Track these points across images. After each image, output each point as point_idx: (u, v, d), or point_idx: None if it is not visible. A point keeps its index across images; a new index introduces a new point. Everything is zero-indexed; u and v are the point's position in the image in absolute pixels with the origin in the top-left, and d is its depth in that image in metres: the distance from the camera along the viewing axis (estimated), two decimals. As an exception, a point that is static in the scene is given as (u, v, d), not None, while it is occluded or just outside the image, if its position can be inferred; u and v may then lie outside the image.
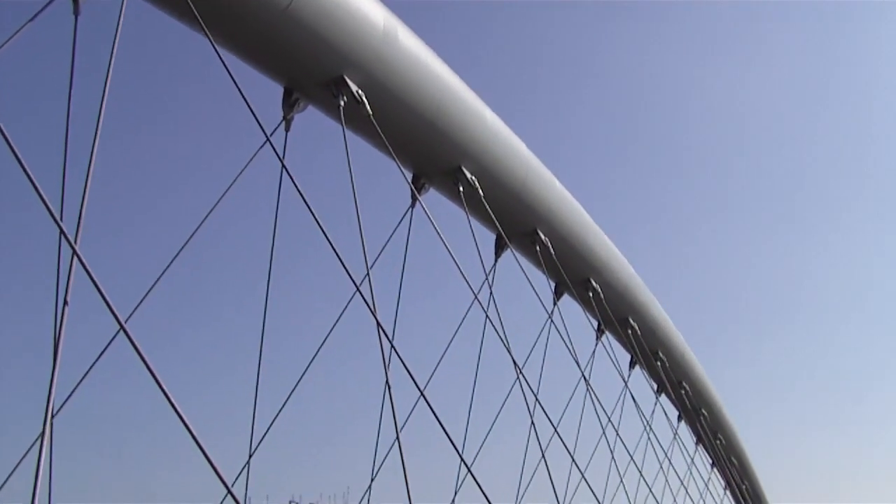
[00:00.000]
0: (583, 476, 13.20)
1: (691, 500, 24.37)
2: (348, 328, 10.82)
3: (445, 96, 10.81)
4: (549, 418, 11.89)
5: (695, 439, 27.39)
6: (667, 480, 20.82)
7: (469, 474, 9.21)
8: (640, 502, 17.67)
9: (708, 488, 27.75)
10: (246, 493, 9.67)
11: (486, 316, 11.44)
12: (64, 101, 7.43)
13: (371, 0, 9.55)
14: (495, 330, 11.25)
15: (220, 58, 7.97)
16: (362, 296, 8.62)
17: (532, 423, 11.77)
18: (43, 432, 5.83)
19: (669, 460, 21.32)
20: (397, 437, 8.61)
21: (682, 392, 24.10)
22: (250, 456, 9.93)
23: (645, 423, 18.86)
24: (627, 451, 16.77)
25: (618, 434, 16.13)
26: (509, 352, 11.22)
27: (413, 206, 11.24)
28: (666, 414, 22.24)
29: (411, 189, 11.21)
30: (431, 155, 11.31)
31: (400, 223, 11.25)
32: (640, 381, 20.77)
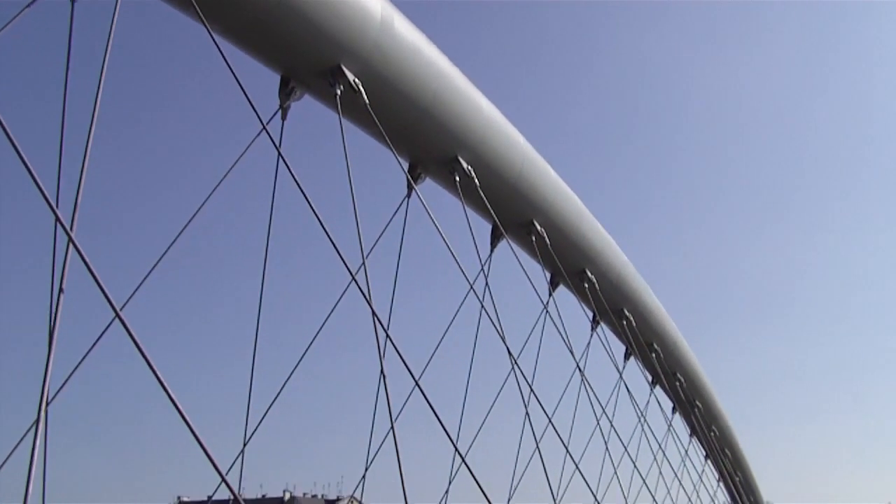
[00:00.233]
0: (577, 467, 13.22)
1: (685, 491, 24.43)
2: (344, 318, 10.82)
3: (442, 86, 10.79)
4: (543, 409, 11.91)
5: (689, 431, 27.46)
6: (660, 472, 20.89)
7: (463, 464, 9.22)
8: (634, 493, 17.69)
9: (702, 480, 27.82)
10: (240, 483, 9.67)
11: (482, 306, 11.43)
12: (60, 87, 7.42)
13: (368, -11, 9.53)
14: (491, 320, 11.24)
15: (217, 46, 7.95)
16: (358, 285, 8.61)
17: (527, 413, 11.79)
18: (38, 420, 5.82)
19: (664, 452, 21.39)
20: (392, 427, 8.61)
21: (677, 383, 24.14)
22: (244, 445, 9.93)
23: (639, 414, 18.89)
24: (622, 442, 16.82)
25: (612, 425, 16.15)
26: (504, 342, 11.23)
27: (409, 195, 11.23)
28: (660, 405, 22.31)
29: (407, 179, 11.19)
30: (428, 145, 11.29)
31: (396, 213, 11.25)
32: (635, 372, 20.82)
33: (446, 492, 12.99)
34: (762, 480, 39.54)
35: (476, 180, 11.71)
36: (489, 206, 12.05)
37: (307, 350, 10.70)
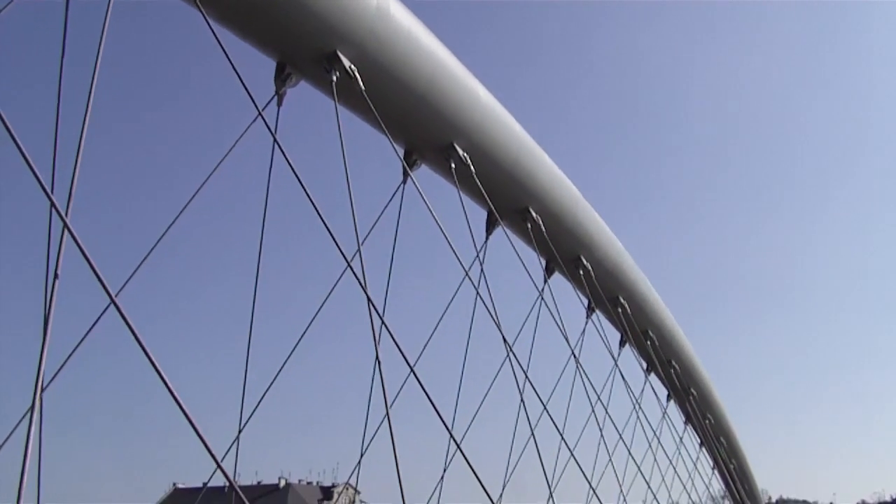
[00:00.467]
0: (571, 454, 13.23)
1: (679, 479, 24.50)
2: (340, 305, 10.82)
3: (438, 73, 10.77)
4: (538, 396, 11.91)
5: (683, 419, 27.51)
6: (655, 459, 20.90)
7: (458, 451, 9.23)
8: (629, 481, 17.72)
9: (696, 467, 27.90)
10: (235, 469, 9.68)
11: (477, 293, 11.44)
12: (55, 74, 7.39)
13: (364, -25, 9.50)
14: (486, 307, 11.24)
15: (213, 32, 7.93)
16: (353, 272, 8.60)
17: (521, 400, 11.79)
18: (33, 407, 5.81)
19: (658, 439, 21.40)
20: (387, 415, 8.61)
21: (672, 371, 24.18)
22: (240, 432, 9.93)
23: (634, 401, 18.91)
24: (616, 429, 16.81)
25: (607, 412, 16.16)
26: (500, 329, 11.22)
27: (405, 182, 11.20)
28: (655, 393, 22.34)
29: (403, 165, 11.17)
30: (424, 131, 11.27)
31: (391, 200, 11.23)
32: (630, 360, 20.84)
33: (441, 478, 13.02)
34: (758, 469, 39.65)
35: (472, 167, 11.69)
36: (485, 193, 12.04)
37: (302, 337, 10.71)
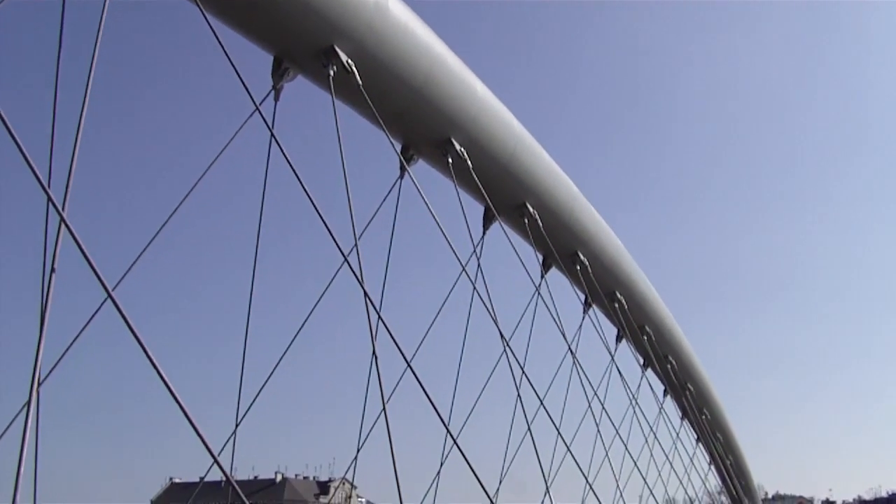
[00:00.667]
0: (568, 449, 13.24)
1: (676, 474, 24.52)
2: (336, 300, 10.81)
3: (436, 68, 10.75)
4: (535, 391, 11.91)
5: (680, 414, 27.52)
6: (652, 454, 20.92)
7: (455, 446, 9.23)
8: (625, 476, 17.74)
9: (693, 463, 27.91)
10: (232, 464, 9.67)
11: (474, 288, 11.43)
12: (52, 68, 7.37)
13: (362, -30, 9.48)
14: (483, 302, 11.24)
15: (210, 27, 7.91)
16: (350, 266, 8.60)
17: (518, 395, 11.78)
18: (29, 401, 5.81)
19: (655, 434, 21.41)
20: (384, 409, 8.60)
21: (669, 367, 24.19)
22: (236, 427, 9.93)
23: (631, 396, 18.91)
24: (613, 424, 16.83)
25: (603, 408, 16.18)
26: (496, 324, 11.22)
27: (402, 177, 11.19)
28: (652, 388, 22.33)
29: (400, 160, 11.16)
30: (421, 126, 11.26)
31: (388, 194, 11.21)
32: (627, 355, 20.84)
33: (437, 473, 13.01)
34: (754, 465, 39.69)
35: (469, 162, 11.68)
36: (482, 188, 12.02)
37: (299, 331, 10.71)
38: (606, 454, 16.47)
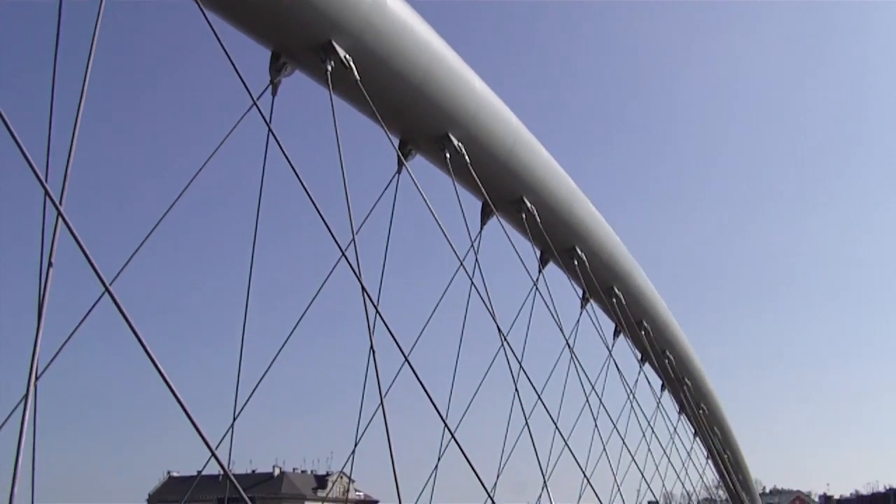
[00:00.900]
0: (566, 443, 13.28)
1: (674, 468, 24.56)
2: (334, 295, 10.82)
3: (434, 63, 10.75)
4: (533, 386, 11.94)
5: (678, 409, 27.56)
6: (649, 449, 20.97)
7: (452, 440, 9.25)
8: (623, 470, 17.77)
9: (690, 457, 27.95)
10: (230, 458, 9.69)
11: (472, 283, 11.44)
12: (49, 61, 7.37)
13: (360, -35, 9.47)
14: (481, 297, 11.26)
15: (208, 21, 7.91)
16: (348, 261, 8.61)
17: (516, 390, 11.80)
18: (27, 395, 5.82)
19: (652, 429, 21.46)
20: (381, 404, 8.62)
21: (666, 361, 24.22)
22: (234, 420, 9.95)
23: (628, 391, 18.94)
24: (611, 419, 16.87)
25: (601, 402, 16.20)
26: (494, 319, 11.24)
27: (399, 172, 11.20)
28: (649, 383, 22.37)
29: (398, 155, 11.17)
30: (419, 121, 11.26)
31: (386, 189, 11.23)
32: (625, 350, 20.87)
33: (435, 467, 13.04)
34: (752, 459, 39.73)
35: (467, 157, 11.68)
36: (479, 183, 12.03)
37: (297, 325, 10.73)
38: (604, 449, 16.53)
